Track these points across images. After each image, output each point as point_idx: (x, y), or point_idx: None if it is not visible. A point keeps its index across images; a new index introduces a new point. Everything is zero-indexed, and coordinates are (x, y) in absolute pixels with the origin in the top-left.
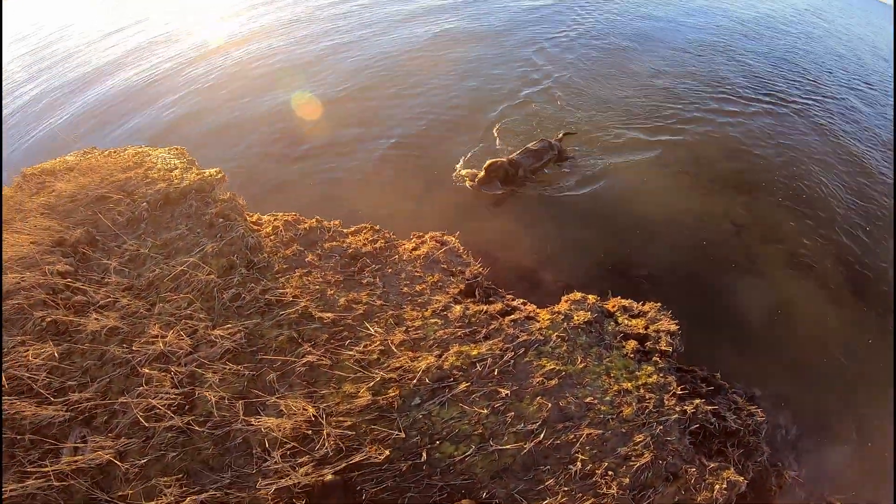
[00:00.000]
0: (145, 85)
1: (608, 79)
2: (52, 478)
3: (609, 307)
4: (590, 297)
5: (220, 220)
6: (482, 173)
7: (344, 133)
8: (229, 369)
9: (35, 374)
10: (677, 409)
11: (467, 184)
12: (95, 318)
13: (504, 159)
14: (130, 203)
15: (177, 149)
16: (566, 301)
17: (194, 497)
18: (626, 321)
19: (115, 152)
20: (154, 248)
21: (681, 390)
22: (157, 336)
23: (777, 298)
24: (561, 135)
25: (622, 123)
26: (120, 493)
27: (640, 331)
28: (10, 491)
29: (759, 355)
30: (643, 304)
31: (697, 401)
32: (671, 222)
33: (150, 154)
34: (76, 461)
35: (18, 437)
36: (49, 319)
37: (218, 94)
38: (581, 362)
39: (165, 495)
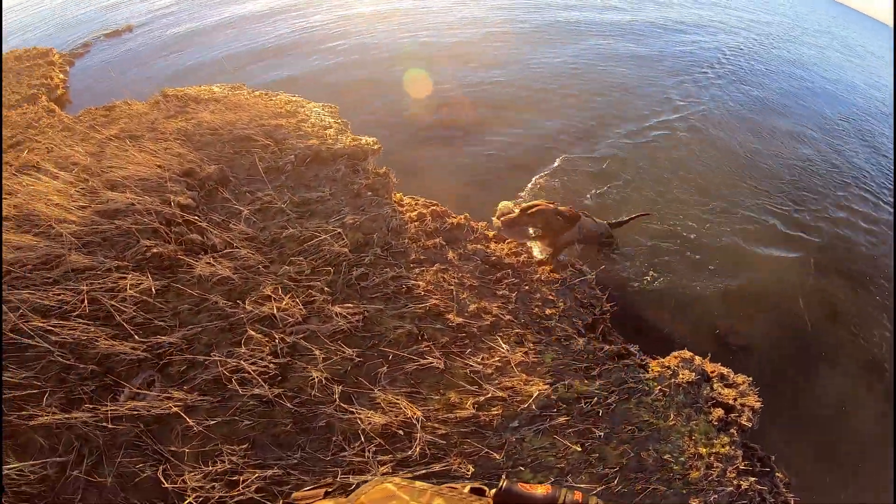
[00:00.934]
0: (298, 40)
1: (744, 131)
2: (102, 416)
3: (709, 371)
4: (696, 358)
5: (369, 192)
6: (516, 212)
7: (490, 131)
8: (337, 350)
9: (122, 306)
10: (734, 482)
11: (495, 221)
12: (207, 263)
13: (557, 206)
14: (276, 152)
15: (331, 107)
16: (675, 357)
17: (254, 469)
18: (720, 388)
19: (266, 95)
20: (290, 204)
21: (743, 466)
22: (269, 297)
23: (844, 394)
24: (629, 218)
25: (752, 195)
26: (172, 448)
27: (729, 401)
28: (53, 416)
29: (808, 444)
30: (737, 376)
31: (752, 479)
32: (784, 303)
33: (304, 106)
34: (137, 405)
35: (80, 364)
36: (155, 251)
37: (374, 62)
38: (672, 419)
39: (223, 462)
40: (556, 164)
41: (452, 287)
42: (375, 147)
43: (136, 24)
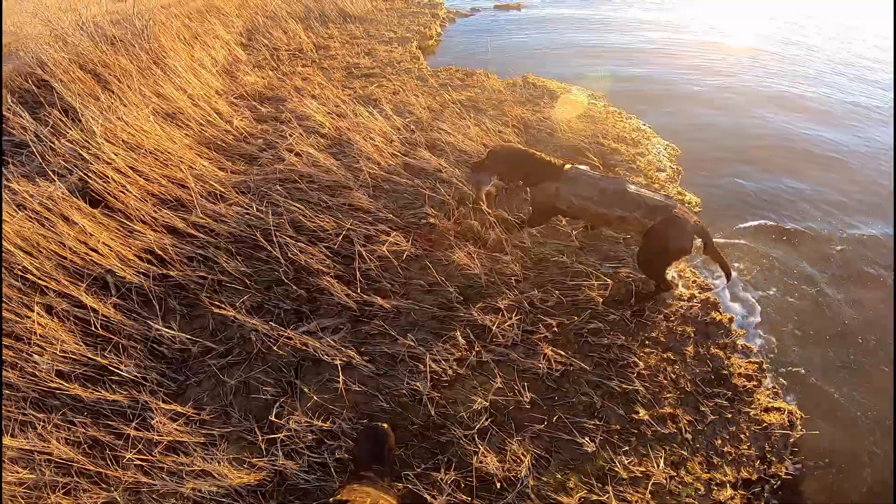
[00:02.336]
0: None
1: None
2: (273, 333)
3: None
4: None
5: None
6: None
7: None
8: (518, 388)
9: (368, 255)
10: None
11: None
12: (467, 253)
13: (524, 148)
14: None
15: (674, 149)
16: None
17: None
18: None
19: (618, 114)
20: (580, 234)
21: None
22: (499, 310)
23: None
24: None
25: None
26: (305, 389)
27: None
28: (235, 313)
29: None
30: None
31: None
32: None
33: (650, 139)
34: (309, 341)
35: (293, 284)
36: (431, 221)
37: (732, 106)
38: None
39: (331, 423)
40: None
41: (666, 382)
42: (696, 210)
43: (525, 3)
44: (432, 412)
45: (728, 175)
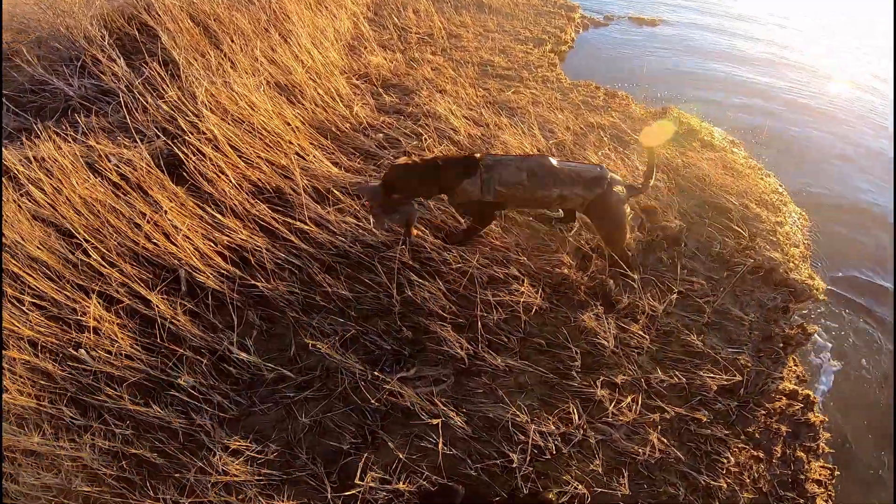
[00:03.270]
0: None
1: None
2: (363, 369)
3: None
4: None
5: (781, 344)
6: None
7: None
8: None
9: (510, 302)
10: None
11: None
12: (594, 317)
13: (415, 160)
14: (738, 244)
15: (805, 219)
16: None
17: None
18: None
19: (759, 171)
20: (712, 305)
21: None
22: (616, 385)
23: None
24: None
25: None
26: (382, 436)
27: None
28: (326, 346)
29: None
30: None
31: None
32: None
33: (787, 205)
34: (398, 388)
35: (401, 322)
36: (564, 271)
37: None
38: None
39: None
40: None
41: (748, 481)
42: (820, 297)
43: (665, 19)
44: (521, 487)
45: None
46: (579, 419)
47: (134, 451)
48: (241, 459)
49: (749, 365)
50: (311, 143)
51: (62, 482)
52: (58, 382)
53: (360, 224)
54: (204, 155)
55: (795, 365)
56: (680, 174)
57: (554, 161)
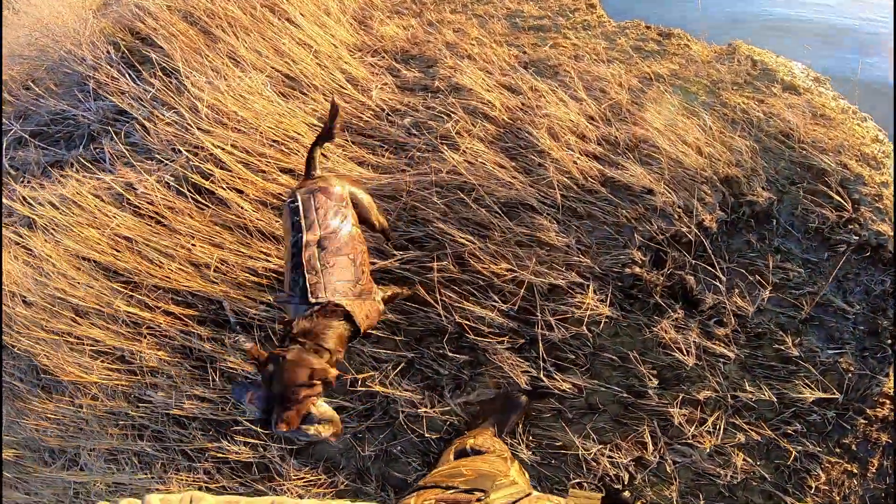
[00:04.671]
0: None
1: None
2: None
3: None
4: None
5: None
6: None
7: None
8: None
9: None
10: None
11: None
12: (673, 323)
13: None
14: (833, 210)
15: None
16: None
17: None
18: None
19: (852, 113)
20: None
21: None
22: (699, 403)
23: None
24: None
25: None
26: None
27: None
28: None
29: None
30: None
31: None
32: None
33: (889, 158)
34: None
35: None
36: (637, 271)
37: None
38: None
39: None
40: None
41: (838, 500)
42: None
43: None
44: None
45: None
46: (655, 445)
47: (216, 485)
48: (315, 490)
49: (851, 368)
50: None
51: None
52: (136, 420)
53: (402, 233)
54: (216, 177)
55: None
56: (762, 130)
57: None
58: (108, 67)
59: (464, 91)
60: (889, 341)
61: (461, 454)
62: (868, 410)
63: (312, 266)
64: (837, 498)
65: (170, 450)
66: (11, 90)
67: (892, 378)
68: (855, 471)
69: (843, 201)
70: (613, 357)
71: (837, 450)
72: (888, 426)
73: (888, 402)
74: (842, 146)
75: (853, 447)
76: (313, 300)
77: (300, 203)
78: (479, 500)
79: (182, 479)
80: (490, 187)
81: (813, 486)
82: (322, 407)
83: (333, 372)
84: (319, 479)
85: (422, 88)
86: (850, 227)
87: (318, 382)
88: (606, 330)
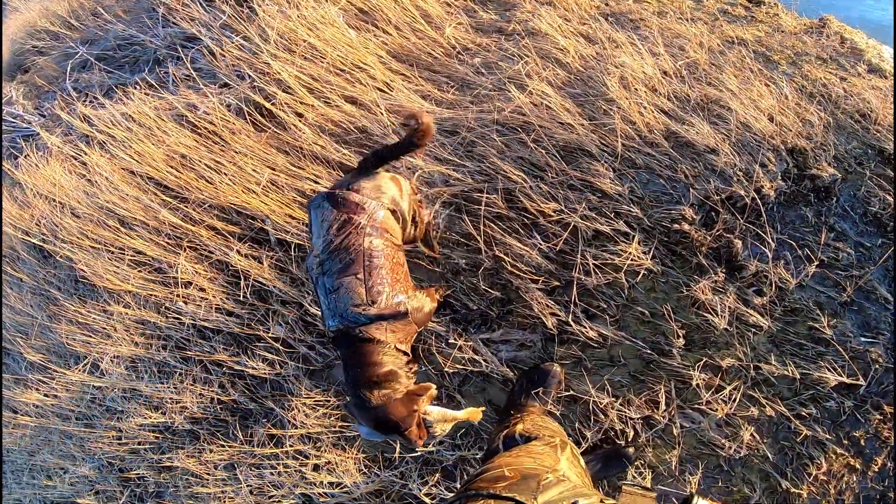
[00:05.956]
0: None
1: None
2: None
3: None
4: None
5: None
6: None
7: None
8: None
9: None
10: None
11: None
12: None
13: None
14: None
15: None
16: None
17: None
18: None
19: None
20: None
21: None
22: (721, 371)
23: None
24: None
25: None
26: None
27: None
28: None
29: None
30: None
31: None
32: None
33: None
34: None
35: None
36: (685, 228)
37: None
38: None
39: None
40: None
41: (833, 492)
42: None
43: None
44: None
45: None
46: (667, 406)
47: (227, 398)
48: (320, 413)
49: (880, 360)
50: (395, 74)
51: (166, 420)
52: (162, 330)
53: (455, 166)
54: (279, 102)
55: None
56: (839, 107)
57: None
58: None
59: (539, 35)
60: None
61: (510, 441)
62: (885, 407)
63: (320, 292)
64: (833, 491)
65: (190, 360)
66: (80, 17)
67: None
68: (857, 466)
69: None
70: (644, 311)
71: (846, 441)
72: None
73: None
74: None
75: (862, 441)
76: (331, 333)
77: (310, 211)
78: None
79: (196, 390)
80: (551, 129)
81: (812, 474)
82: (433, 412)
83: (428, 387)
84: (329, 402)
85: (496, 31)
86: None
87: (420, 399)
88: (643, 283)
